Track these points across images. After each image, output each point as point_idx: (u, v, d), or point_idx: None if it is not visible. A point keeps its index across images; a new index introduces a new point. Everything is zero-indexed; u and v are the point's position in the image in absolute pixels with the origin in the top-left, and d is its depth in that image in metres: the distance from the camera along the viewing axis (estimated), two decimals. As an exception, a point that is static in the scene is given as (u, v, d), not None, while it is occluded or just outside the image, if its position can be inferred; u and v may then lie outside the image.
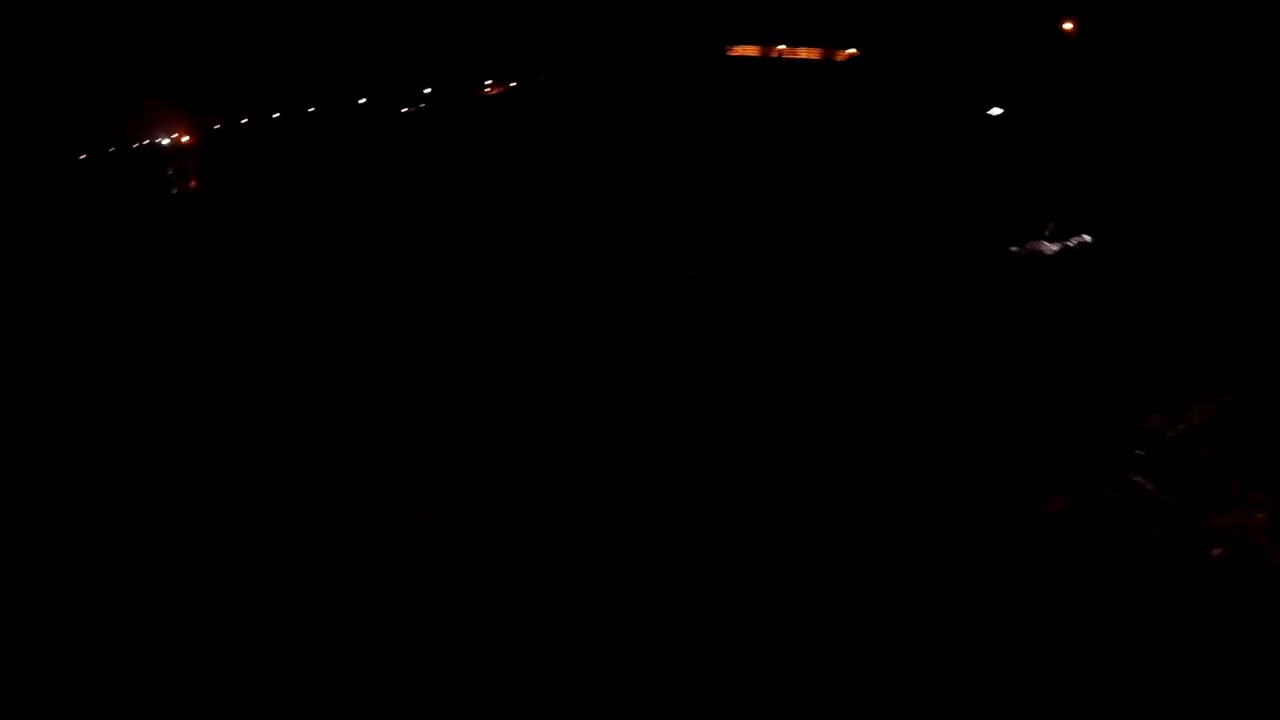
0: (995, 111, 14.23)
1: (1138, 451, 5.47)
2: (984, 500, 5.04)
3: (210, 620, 4.55)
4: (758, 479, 5.51)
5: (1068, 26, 14.92)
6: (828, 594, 4.34)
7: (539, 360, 7.71)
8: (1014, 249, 9.48)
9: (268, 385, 7.83)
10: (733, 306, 8.53)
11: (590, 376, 7.26)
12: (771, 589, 4.42)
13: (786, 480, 5.47)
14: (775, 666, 3.89)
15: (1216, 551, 4.47)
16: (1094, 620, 4.01)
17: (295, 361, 8.38)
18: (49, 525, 5.70)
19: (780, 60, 18.72)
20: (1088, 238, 9.41)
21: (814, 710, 3.66)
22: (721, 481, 5.51)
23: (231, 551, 5.19)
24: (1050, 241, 9.53)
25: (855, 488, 5.32)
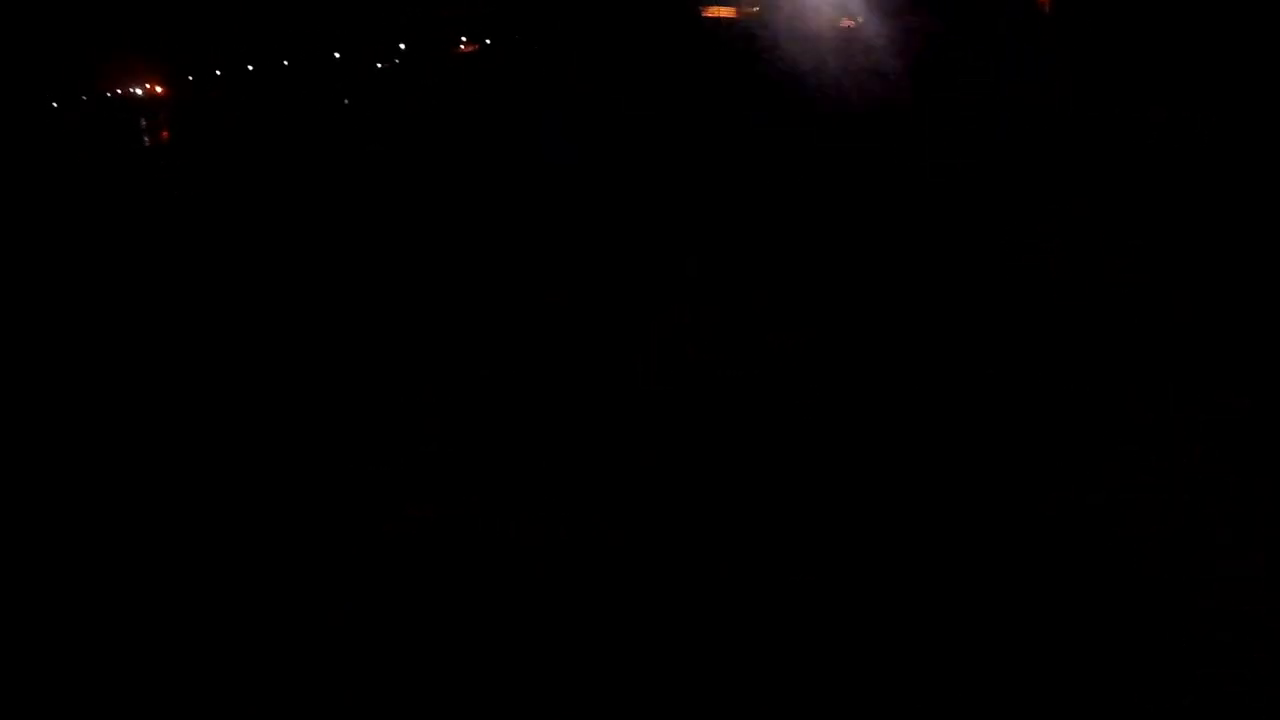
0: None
1: (1137, 450, 5.47)
2: (983, 500, 5.05)
3: (210, 620, 4.55)
4: (758, 479, 5.51)
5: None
6: (828, 594, 4.34)
7: (539, 360, 7.72)
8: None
9: (266, 383, 7.84)
10: (733, 306, 8.54)
11: (590, 376, 7.26)
12: (771, 589, 4.42)
13: (786, 480, 5.48)
14: (775, 666, 3.89)
15: (1215, 551, 4.47)
16: (1094, 620, 4.01)
17: (295, 360, 8.38)
18: (41, 526, 5.71)
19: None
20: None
21: (814, 710, 3.66)
22: (721, 481, 5.52)
23: (231, 551, 5.20)
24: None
25: (855, 487, 5.32)
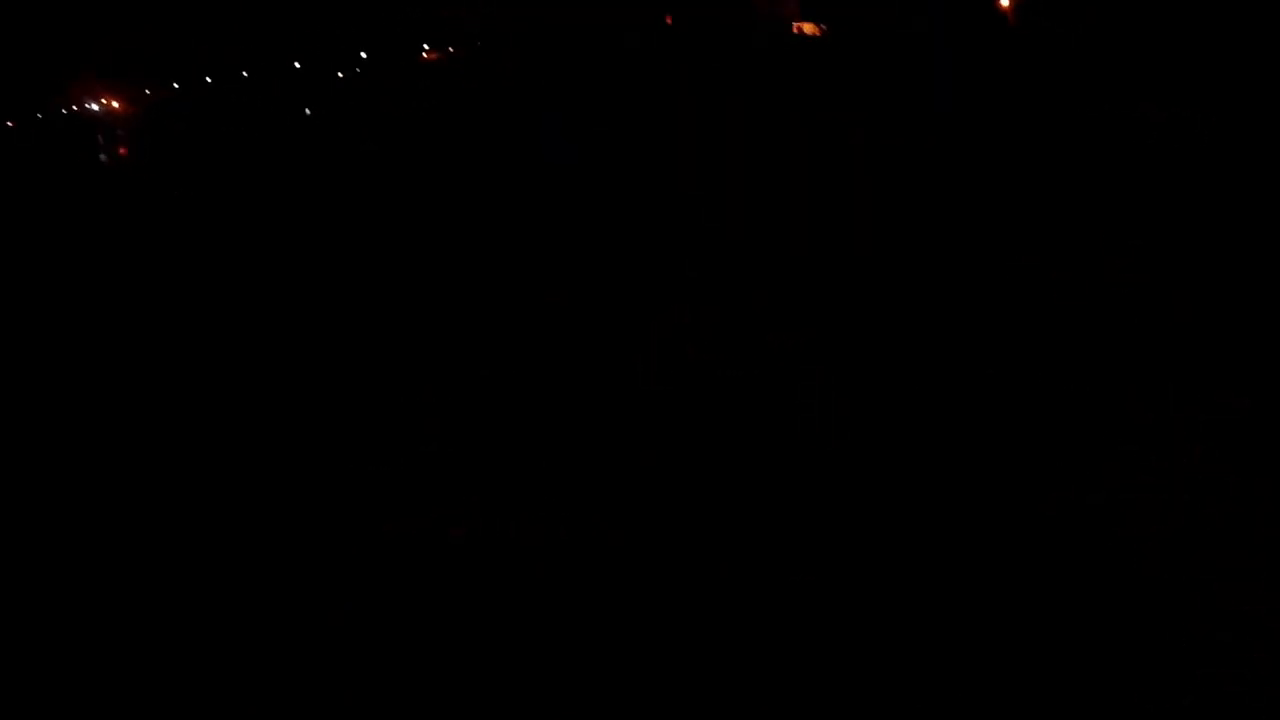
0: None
1: (1137, 450, 5.47)
2: (983, 500, 5.04)
3: (210, 620, 4.55)
4: (758, 479, 5.51)
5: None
6: (827, 594, 4.34)
7: (539, 360, 7.72)
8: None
9: (266, 383, 7.84)
10: (733, 306, 8.54)
11: (590, 376, 7.26)
12: (771, 589, 4.42)
13: (786, 480, 5.48)
14: (775, 666, 3.89)
15: (1215, 551, 4.47)
16: (1094, 620, 4.01)
17: (295, 360, 8.38)
18: (44, 528, 5.71)
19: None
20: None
21: (814, 710, 3.66)
22: (722, 481, 5.52)
23: (231, 552, 5.20)
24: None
25: (854, 487, 5.32)
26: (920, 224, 10.60)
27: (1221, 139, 11.56)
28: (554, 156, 16.31)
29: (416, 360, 8.13)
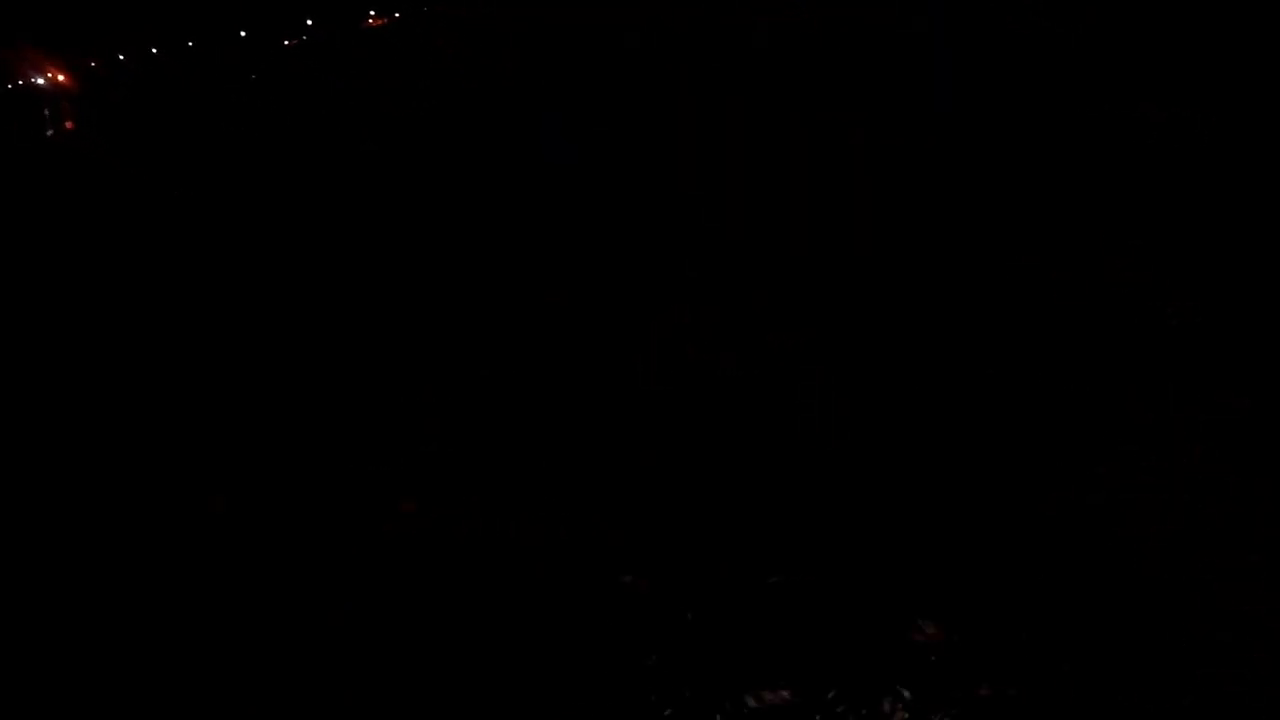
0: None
1: (1137, 450, 5.47)
2: (983, 500, 5.05)
3: (210, 620, 4.55)
4: (758, 479, 5.51)
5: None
6: (827, 594, 4.34)
7: (539, 360, 7.72)
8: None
9: (265, 383, 7.84)
10: (733, 306, 8.54)
11: (590, 376, 7.26)
12: (771, 589, 4.42)
13: (786, 480, 5.48)
14: (775, 667, 3.89)
15: (1216, 551, 4.47)
16: (1094, 620, 4.01)
17: (294, 360, 8.38)
18: (39, 528, 5.71)
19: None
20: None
21: (814, 710, 3.66)
22: (721, 481, 5.52)
23: (230, 551, 5.20)
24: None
25: (854, 487, 5.33)
26: (920, 224, 10.60)
27: (1221, 139, 11.56)
28: (554, 156, 16.29)
29: (416, 360, 8.13)
